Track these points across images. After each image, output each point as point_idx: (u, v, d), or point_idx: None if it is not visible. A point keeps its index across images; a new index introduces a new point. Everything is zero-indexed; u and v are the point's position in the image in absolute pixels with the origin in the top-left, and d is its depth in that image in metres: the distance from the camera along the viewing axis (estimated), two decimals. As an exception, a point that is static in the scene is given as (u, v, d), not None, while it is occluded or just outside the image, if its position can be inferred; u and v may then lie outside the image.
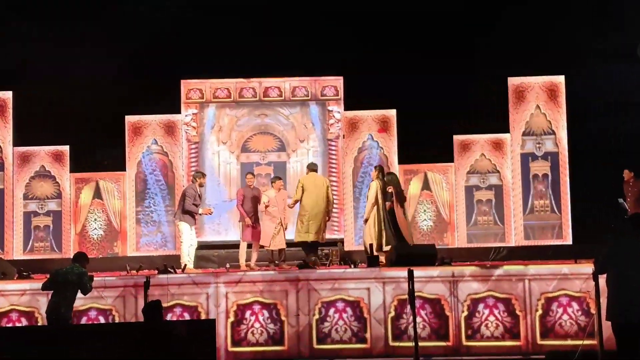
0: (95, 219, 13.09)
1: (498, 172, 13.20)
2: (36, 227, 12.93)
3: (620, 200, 9.32)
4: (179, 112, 13.48)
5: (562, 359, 8.43)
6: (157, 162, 13.29)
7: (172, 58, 13.31)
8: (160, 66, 13.22)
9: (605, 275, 6.58)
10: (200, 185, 10.87)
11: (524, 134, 13.15)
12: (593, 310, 8.72)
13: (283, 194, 11.16)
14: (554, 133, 13.10)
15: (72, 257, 8.71)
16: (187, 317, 9.18)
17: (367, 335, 9.21)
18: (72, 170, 13.14)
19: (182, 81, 13.54)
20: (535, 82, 13.21)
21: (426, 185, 13.23)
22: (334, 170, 13.54)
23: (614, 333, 6.39)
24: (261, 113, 13.69)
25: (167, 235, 13.14)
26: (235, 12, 13.56)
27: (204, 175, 11.08)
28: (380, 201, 10.55)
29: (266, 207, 10.89)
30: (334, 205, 11.67)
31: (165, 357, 6.95)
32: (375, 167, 11.08)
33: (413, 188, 13.22)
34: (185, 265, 10.50)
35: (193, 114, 13.56)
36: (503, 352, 9.03)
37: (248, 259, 11.06)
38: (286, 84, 13.67)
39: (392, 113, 13.39)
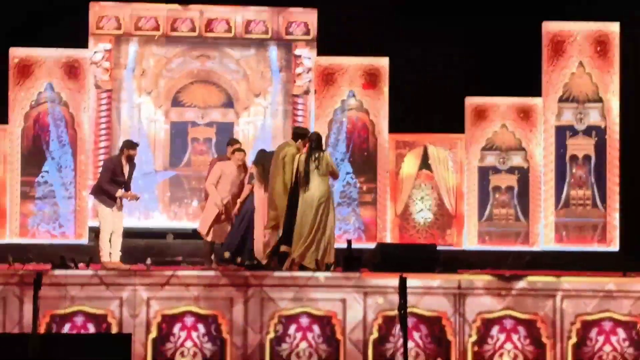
0: (-37, 191, 12.96)
1: (524, 149, 13.38)
2: None
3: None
4: (85, 46, 13.39)
5: None
6: (53, 115, 13.16)
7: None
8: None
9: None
10: (129, 159, 10.78)
11: (560, 100, 13.34)
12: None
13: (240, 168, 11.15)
14: (601, 100, 13.30)
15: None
16: (91, 329, 9.21)
17: (340, 363, 9.33)
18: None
19: (92, 3, 13.41)
20: (579, 29, 13.39)
21: (425, 164, 13.36)
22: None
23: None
24: (201, 54, 13.65)
25: (66, 215, 13.05)
26: None
27: (135, 145, 10.94)
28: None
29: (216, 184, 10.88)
30: None
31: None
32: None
33: (407, 167, 13.34)
34: (92, 258, 10.49)
35: (105, 50, 13.49)
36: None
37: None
38: (238, 15, 13.65)
39: (384, 62, 13.46)
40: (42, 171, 13.07)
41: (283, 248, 10.21)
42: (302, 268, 9.93)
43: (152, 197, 13.46)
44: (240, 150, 11.19)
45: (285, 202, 10.35)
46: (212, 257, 11.03)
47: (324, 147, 10.64)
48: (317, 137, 10.57)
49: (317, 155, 10.25)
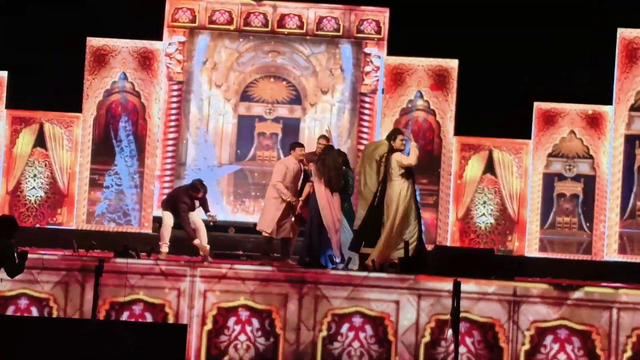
0: (34, 175, 13.36)
1: (592, 157, 13.28)
2: (-47, 177, 13.27)
3: None
4: (160, 38, 13.66)
5: None
6: (125, 105, 13.49)
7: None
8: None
9: None
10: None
11: (632, 109, 13.20)
12: None
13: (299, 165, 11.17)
14: (674, 110, 13.15)
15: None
16: (149, 318, 9.42)
17: (391, 364, 9.42)
18: (8, 106, 13.40)
19: (169, -5, 13.68)
20: (655, 36, 13.23)
21: (490, 168, 13.35)
22: (364, 136, 13.66)
23: None
24: (272, 50, 13.82)
25: (131, 205, 13.37)
26: None
27: (198, 189, 11.15)
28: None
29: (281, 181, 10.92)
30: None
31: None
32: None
33: (471, 170, 13.36)
34: (153, 247, 10.73)
35: (179, 42, 13.75)
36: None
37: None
38: (310, 11, 13.79)
39: (453, 64, 13.52)
40: (112, 160, 13.43)
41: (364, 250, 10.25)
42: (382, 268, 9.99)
43: (216, 191, 13.61)
44: (300, 145, 11.19)
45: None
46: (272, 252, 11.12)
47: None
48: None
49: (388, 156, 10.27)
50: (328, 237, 10.47)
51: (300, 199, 10.87)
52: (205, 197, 11.14)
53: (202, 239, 10.97)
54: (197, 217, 11.12)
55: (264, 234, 11.05)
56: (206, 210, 11.16)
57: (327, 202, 10.50)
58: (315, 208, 10.59)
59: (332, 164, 10.55)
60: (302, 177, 11.01)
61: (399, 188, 10.19)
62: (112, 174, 13.40)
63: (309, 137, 13.37)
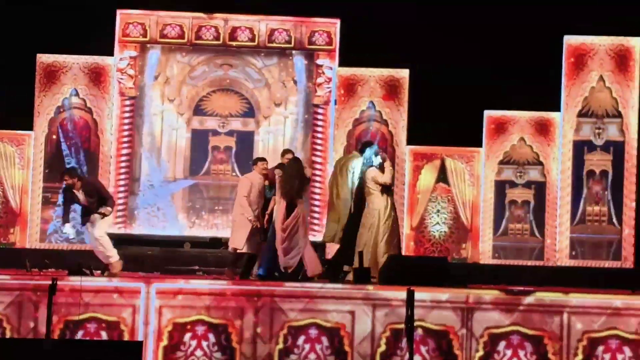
0: (-15, 195, 13.29)
1: (541, 164, 13.49)
2: None
3: None
4: (111, 53, 13.66)
5: None
6: (75, 122, 13.47)
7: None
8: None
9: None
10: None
11: (580, 115, 13.43)
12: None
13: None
14: (620, 116, 13.38)
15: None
16: (104, 336, 9.40)
17: (347, 375, 9.48)
18: (-41, 125, 13.30)
19: (119, 11, 13.70)
20: (601, 44, 13.48)
21: (443, 177, 13.51)
22: (319, 147, 13.75)
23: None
24: (224, 63, 13.87)
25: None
26: None
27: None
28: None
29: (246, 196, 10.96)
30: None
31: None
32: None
33: (425, 179, 13.51)
34: (109, 265, 10.70)
35: (131, 57, 13.74)
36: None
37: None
38: (262, 24, 13.86)
39: (404, 74, 13.66)
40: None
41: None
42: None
43: (171, 206, 13.68)
44: (262, 159, 11.31)
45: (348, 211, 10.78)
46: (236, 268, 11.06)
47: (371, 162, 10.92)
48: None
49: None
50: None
51: (266, 212, 10.95)
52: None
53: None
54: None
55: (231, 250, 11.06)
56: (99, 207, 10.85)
57: (282, 215, 10.64)
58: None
59: (295, 173, 10.71)
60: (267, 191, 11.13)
61: (380, 203, 10.59)
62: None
63: (264, 150, 13.46)
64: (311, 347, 9.55)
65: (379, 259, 10.57)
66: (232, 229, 11.21)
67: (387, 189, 10.83)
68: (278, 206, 10.74)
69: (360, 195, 10.88)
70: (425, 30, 13.34)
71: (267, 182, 11.07)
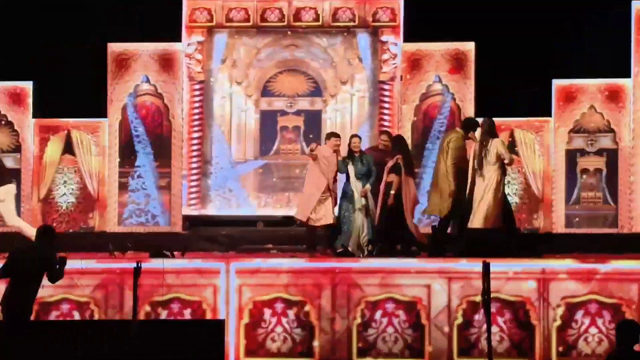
0: (65, 182, 13.63)
1: (613, 131, 13.35)
2: (-14, 190, 13.53)
3: None
4: (179, 40, 13.85)
5: None
6: (147, 107, 13.75)
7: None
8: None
9: None
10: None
11: (651, 80, 13.26)
12: None
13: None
14: (696, 84, 13.18)
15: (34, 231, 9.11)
16: (187, 315, 9.71)
17: (425, 347, 9.64)
18: (35, 116, 13.65)
19: (185, -2, 13.89)
20: (674, 7, 13.26)
21: (512, 148, 13.34)
22: (386, 123, 13.81)
23: None
24: (290, 44, 13.98)
25: (157, 205, 13.61)
26: None
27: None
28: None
29: (314, 158, 11.16)
30: None
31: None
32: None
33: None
34: (186, 246, 10.97)
35: (198, 42, 13.91)
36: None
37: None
38: (325, 4, 13.91)
39: (470, 47, 13.61)
40: (137, 163, 13.66)
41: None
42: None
43: (242, 186, 13.87)
44: (336, 135, 11.49)
45: (450, 186, 10.83)
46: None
47: (496, 134, 10.94)
48: (489, 123, 10.94)
49: (487, 141, 10.64)
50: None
51: (391, 192, 11.07)
52: None
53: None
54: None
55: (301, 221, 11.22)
56: None
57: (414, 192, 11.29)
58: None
59: (409, 151, 11.37)
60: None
61: (492, 173, 10.62)
62: (136, 176, 13.64)
63: (331, 128, 13.51)
64: (389, 321, 9.73)
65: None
66: (300, 200, 11.42)
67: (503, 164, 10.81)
68: (407, 185, 11.00)
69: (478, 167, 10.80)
70: (491, 2, 13.30)
71: (340, 157, 11.22)
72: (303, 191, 11.63)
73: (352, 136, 11.56)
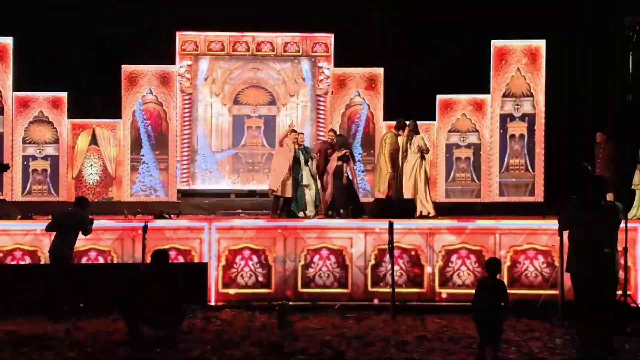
0: (91, 165, 13.43)
1: (477, 131, 13.60)
2: (34, 170, 13.26)
3: (585, 163, 9.79)
4: (174, 63, 13.72)
5: (526, 306, 8.84)
6: (151, 112, 13.58)
7: (169, 10, 13.49)
8: (156, 18, 13.42)
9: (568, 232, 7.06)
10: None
11: (503, 96, 13.52)
12: (557, 264, 9.21)
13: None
14: (532, 95, 13.47)
15: (70, 200, 9.03)
16: (181, 260, 9.59)
17: (349, 281, 9.65)
18: (69, 117, 13.42)
19: (178, 33, 13.76)
20: (517, 45, 13.53)
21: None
22: (322, 125, 13.89)
23: (572, 284, 6.91)
24: (254, 67, 13.95)
25: (157, 182, 13.49)
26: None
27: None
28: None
29: (281, 144, 10.94)
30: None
31: (162, 295, 7.39)
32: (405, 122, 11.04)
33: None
34: (180, 211, 10.88)
35: (187, 65, 13.80)
36: (471, 299, 9.53)
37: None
38: (278, 39, 13.90)
39: (379, 71, 13.71)
40: (144, 152, 13.50)
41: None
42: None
43: (219, 169, 13.81)
44: (295, 131, 11.37)
45: (388, 170, 10.79)
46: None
47: (418, 132, 10.93)
48: (414, 124, 10.94)
49: (412, 137, 10.68)
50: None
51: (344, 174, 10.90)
52: None
53: None
54: None
55: (273, 191, 10.90)
56: None
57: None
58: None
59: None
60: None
61: (416, 159, 10.69)
62: (141, 162, 13.49)
63: (283, 128, 13.52)
64: (323, 263, 9.72)
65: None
66: (272, 176, 11.09)
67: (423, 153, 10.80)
68: (352, 169, 11.00)
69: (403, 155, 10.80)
70: (395, 39, 13.40)
71: (297, 147, 11.07)
72: (272, 169, 11.25)
73: (299, 133, 11.56)
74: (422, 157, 10.79)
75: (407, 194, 10.73)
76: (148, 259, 9.28)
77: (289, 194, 10.92)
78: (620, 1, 10.14)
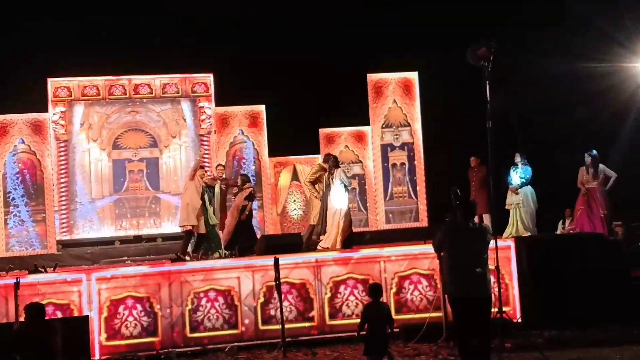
0: (-38, 221, 12.74)
1: (360, 162, 13.94)
2: None
3: (454, 188, 10.26)
4: (46, 110, 13.32)
5: (414, 331, 9.09)
6: (24, 162, 13.09)
7: (39, 57, 13.17)
8: (26, 65, 13.05)
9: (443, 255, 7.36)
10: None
11: (383, 126, 13.94)
12: (439, 286, 9.52)
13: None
14: (409, 125, 13.99)
15: None
16: (59, 315, 9.22)
17: (239, 321, 9.56)
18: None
19: (49, 79, 13.39)
20: (392, 78, 14.04)
21: (295, 177, 13.76)
22: (207, 164, 13.81)
23: (450, 305, 7.19)
24: (132, 110, 13.77)
25: (34, 235, 12.98)
26: (103, 11, 13.59)
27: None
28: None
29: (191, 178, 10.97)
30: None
31: (38, 355, 7.06)
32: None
33: (283, 179, 13.75)
34: (56, 264, 10.49)
35: (61, 112, 13.45)
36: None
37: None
38: (156, 81, 13.81)
39: (261, 108, 13.85)
40: (18, 203, 12.96)
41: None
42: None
43: (101, 216, 13.47)
44: (202, 167, 11.46)
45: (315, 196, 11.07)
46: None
47: (338, 166, 11.09)
48: (333, 158, 11.08)
49: (333, 171, 10.82)
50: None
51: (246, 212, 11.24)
52: None
53: None
54: None
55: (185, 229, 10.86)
56: None
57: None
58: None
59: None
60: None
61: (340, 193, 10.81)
62: (13, 215, 12.90)
63: (167, 171, 13.45)
64: (211, 305, 9.59)
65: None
66: (181, 210, 11.02)
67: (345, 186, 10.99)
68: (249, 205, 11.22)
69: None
70: (274, 76, 13.65)
71: (203, 184, 11.12)
72: (182, 204, 11.09)
73: (206, 169, 11.59)
74: (346, 189, 10.98)
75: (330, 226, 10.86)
76: (23, 316, 8.92)
77: (202, 230, 10.79)
78: (482, 32, 10.82)
